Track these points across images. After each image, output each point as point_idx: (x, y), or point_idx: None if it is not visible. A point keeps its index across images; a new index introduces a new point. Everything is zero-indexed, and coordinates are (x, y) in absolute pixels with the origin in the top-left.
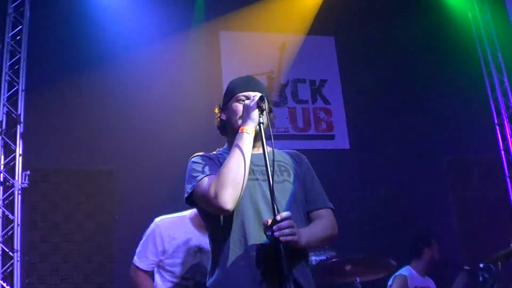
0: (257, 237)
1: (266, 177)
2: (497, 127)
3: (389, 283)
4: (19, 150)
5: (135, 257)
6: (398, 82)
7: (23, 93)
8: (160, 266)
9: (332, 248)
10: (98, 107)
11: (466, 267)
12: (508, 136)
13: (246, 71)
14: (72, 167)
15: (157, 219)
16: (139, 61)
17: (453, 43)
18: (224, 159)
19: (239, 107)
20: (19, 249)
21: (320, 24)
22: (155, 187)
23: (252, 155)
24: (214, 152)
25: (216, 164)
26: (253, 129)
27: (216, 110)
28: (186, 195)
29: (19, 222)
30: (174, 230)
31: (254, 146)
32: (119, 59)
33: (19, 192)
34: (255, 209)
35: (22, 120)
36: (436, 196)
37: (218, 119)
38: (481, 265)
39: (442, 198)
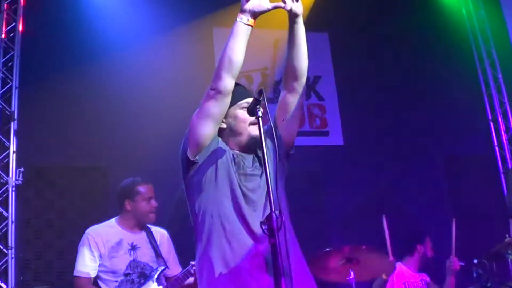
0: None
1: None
2: (491, 124)
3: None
4: (13, 147)
5: (75, 270)
6: (392, 78)
7: (16, 90)
8: (101, 271)
9: (326, 243)
10: (92, 104)
11: (460, 263)
12: (502, 132)
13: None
14: (66, 165)
15: (87, 230)
16: (133, 58)
17: (447, 40)
18: (221, 149)
19: (245, 114)
20: (13, 246)
21: (314, 21)
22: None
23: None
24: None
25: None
26: (247, 18)
27: None
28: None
29: (13, 219)
30: (105, 234)
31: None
32: (112, 56)
33: (13, 189)
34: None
35: (16, 117)
36: (430, 192)
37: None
38: (475, 261)
39: (437, 193)
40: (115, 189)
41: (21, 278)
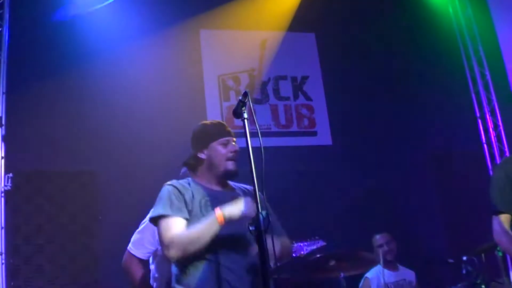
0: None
1: None
2: (479, 120)
3: (360, 284)
4: (1, 152)
5: (130, 245)
6: (379, 77)
7: (4, 95)
8: (157, 255)
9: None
10: (80, 109)
11: (450, 260)
12: (490, 129)
13: (227, 69)
14: (55, 169)
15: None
16: (120, 62)
17: (434, 38)
18: (192, 193)
19: (224, 150)
20: (3, 251)
21: (301, 21)
22: (138, 187)
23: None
24: (182, 182)
25: (184, 201)
26: (223, 222)
27: (193, 148)
28: (150, 216)
29: (2, 225)
30: None
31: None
32: (100, 60)
33: (2, 195)
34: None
35: (3, 122)
36: (419, 190)
37: (194, 156)
38: (465, 258)
39: (426, 191)
40: (104, 193)
41: (12, 283)
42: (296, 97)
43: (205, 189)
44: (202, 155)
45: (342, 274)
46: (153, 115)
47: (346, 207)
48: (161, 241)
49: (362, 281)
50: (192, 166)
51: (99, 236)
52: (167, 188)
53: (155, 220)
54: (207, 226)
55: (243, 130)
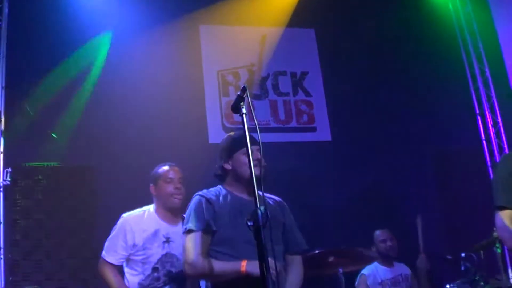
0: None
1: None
2: (479, 117)
3: (356, 283)
4: (0, 147)
5: (104, 252)
6: (379, 74)
7: (3, 90)
8: (129, 260)
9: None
10: (79, 104)
11: (448, 257)
12: (490, 126)
13: (227, 65)
14: (54, 164)
15: (124, 215)
16: (120, 57)
17: (434, 34)
18: (221, 200)
19: (246, 159)
20: (2, 246)
21: (300, 17)
22: (137, 182)
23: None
24: (212, 189)
25: (214, 211)
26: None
27: (220, 159)
28: (184, 230)
29: (1, 220)
30: (143, 223)
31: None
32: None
33: (1, 189)
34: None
35: (2, 117)
36: (419, 186)
37: (221, 167)
38: (463, 255)
39: (425, 188)
40: (103, 187)
41: (10, 278)
42: (295, 92)
43: (234, 198)
44: (227, 166)
45: (341, 270)
46: (153, 110)
47: (345, 203)
48: (184, 255)
49: (358, 278)
50: (220, 177)
51: (98, 231)
52: (197, 199)
53: (185, 232)
54: (228, 272)
55: (241, 126)
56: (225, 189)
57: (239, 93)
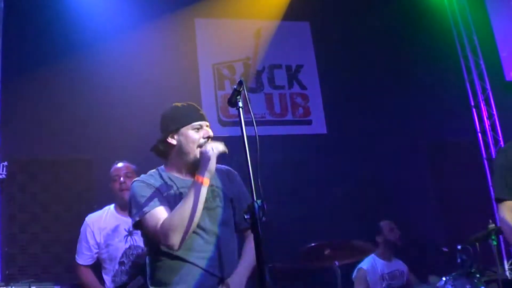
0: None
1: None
2: (474, 110)
3: (353, 276)
4: None
5: (76, 256)
6: (374, 66)
7: None
8: (100, 259)
9: (310, 232)
10: (75, 97)
11: (444, 249)
12: (485, 118)
13: (222, 58)
14: (50, 157)
15: (87, 217)
16: (115, 50)
17: (428, 27)
18: (165, 185)
19: (196, 135)
20: None
21: (295, 10)
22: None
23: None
24: (152, 174)
25: (160, 193)
26: (208, 181)
27: (162, 133)
28: (133, 222)
29: None
30: (102, 221)
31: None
32: (96, 48)
33: None
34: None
35: None
36: (414, 179)
37: (163, 142)
38: (459, 247)
39: (421, 180)
40: (99, 181)
41: (7, 272)
42: (290, 86)
43: (177, 180)
44: (172, 141)
45: (337, 263)
46: (149, 104)
47: (341, 196)
48: (156, 237)
49: (356, 272)
50: (161, 152)
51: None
52: (135, 185)
53: (138, 226)
54: (194, 194)
55: (238, 119)
56: (166, 172)
57: (235, 86)
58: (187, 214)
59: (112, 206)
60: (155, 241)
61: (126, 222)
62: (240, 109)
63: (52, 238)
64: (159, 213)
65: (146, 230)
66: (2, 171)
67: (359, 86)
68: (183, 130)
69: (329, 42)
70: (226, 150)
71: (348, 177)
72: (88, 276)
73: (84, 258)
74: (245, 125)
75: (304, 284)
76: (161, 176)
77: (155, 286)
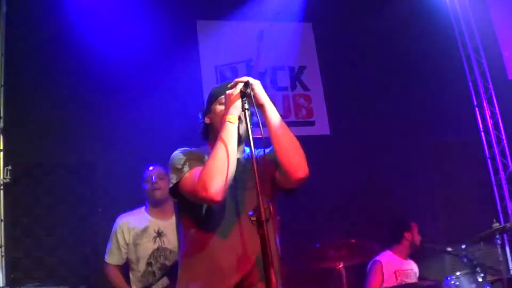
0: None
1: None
2: (476, 109)
3: (367, 268)
4: (0, 145)
5: (105, 255)
6: (376, 67)
7: (2, 88)
8: (128, 259)
9: (314, 233)
10: (78, 100)
11: (449, 249)
12: (488, 117)
13: (224, 60)
14: (54, 161)
15: (118, 217)
16: (117, 54)
17: (430, 27)
18: (207, 156)
19: (223, 109)
20: (2, 244)
21: (298, 11)
22: (137, 178)
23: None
24: (196, 149)
25: (200, 159)
26: (236, 118)
27: (200, 115)
28: (171, 185)
29: (1, 218)
30: (131, 221)
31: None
32: (96, 52)
33: (1, 187)
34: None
35: (1, 115)
36: (417, 178)
37: (202, 123)
38: (463, 246)
39: (424, 180)
40: (103, 184)
41: (12, 276)
42: (293, 87)
43: None
44: (207, 120)
45: (341, 264)
46: (151, 106)
47: (344, 197)
48: (194, 194)
49: (371, 263)
50: (203, 134)
51: (98, 228)
52: (175, 153)
53: (175, 191)
54: (222, 136)
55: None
56: (207, 150)
57: (242, 88)
58: (222, 157)
59: (143, 207)
60: (194, 213)
61: (156, 223)
62: (246, 111)
63: (56, 241)
64: (199, 170)
65: (185, 191)
66: (6, 175)
67: (362, 87)
68: (213, 107)
69: (332, 44)
70: (246, 80)
71: (351, 177)
72: (115, 275)
73: (112, 256)
74: (254, 126)
75: (309, 285)
76: (203, 152)
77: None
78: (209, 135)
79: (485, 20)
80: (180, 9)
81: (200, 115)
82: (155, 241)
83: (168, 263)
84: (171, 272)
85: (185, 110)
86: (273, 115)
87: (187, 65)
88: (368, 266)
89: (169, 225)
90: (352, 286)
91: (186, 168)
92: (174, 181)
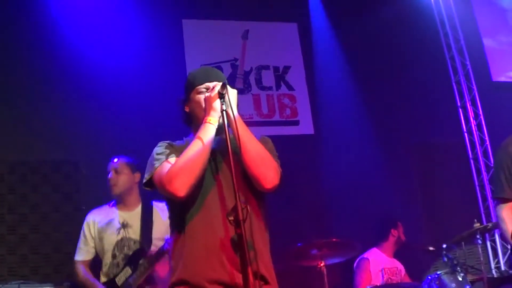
0: (220, 224)
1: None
2: (460, 110)
3: (354, 265)
4: None
5: (75, 255)
6: (360, 68)
7: None
8: (97, 255)
9: (297, 233)
10: (63, 98)
11: (430, 248)
12: (471, 118)
13: (210, 60)
14: (39, 159)
15: (87, 214)
16: (102, 51)
17: (415, 28)
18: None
19: (201, 98)
20: None
21: (283, 11)
22: None
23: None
24: (179, 141)
25: (179, 152)
26: (216, 120)
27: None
28: (144, 181)
29: None
30: (97, 216)
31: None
32: (81, 48)
33: None
34: (220, 197)
35: None
36: (401, 179)
37: (182, 112)
38: (445, 246)
39: (407, 181)
40: (87, 182)
41: None
42: (278, 86)
43: None
44: (187, 109)
45: (323, 263)
46: (136, 105)
47: (328, 196)
48: (160, 186)
49: (358, 261)
50: (186, 122)
51: (82, 225)
52: (155, 148)
53: (149, 185)
54: (199, 135)
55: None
56: (188, 138)
57: (218, 89)
58: (193, 155)
59: (113, 201)
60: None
61: (121, 214)
62: (224, 112)
63: (41, 239)
64: (171, 162)
65: (155, 184)
66: None
67: (346, 87)
68: (191, 96)
69: (316, 44)
70: (223, 82)
71: (335, 177)
72: (82, 271)
73: (80, 253)
74: (228, 127)
75: (290, 284)
76: (184, 142)
77: None
78: (192, 122)
79: (469, 21)
80: (166, 8)
81: (180, 104)
82: (118, 232)
83: (130, 252)
84: (132, 261)
85: (169, 108)
86: (240, 127)
87: (172, 64)
88: (355, 264)
89: (133, 215)
90: (333, 284)
91: (157, 163)
92: (146, 176)
